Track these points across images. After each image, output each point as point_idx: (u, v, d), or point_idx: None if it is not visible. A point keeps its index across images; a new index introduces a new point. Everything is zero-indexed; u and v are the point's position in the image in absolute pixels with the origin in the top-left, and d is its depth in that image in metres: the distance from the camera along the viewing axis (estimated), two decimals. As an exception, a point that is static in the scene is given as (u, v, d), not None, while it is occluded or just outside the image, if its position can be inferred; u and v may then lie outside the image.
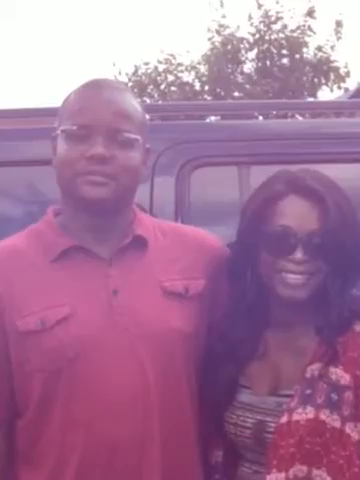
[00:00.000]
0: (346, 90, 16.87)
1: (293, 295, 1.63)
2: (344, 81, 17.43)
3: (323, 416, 1.56)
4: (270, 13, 17.38)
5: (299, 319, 1.67)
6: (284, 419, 1.58)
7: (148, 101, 16.78)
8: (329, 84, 17.39)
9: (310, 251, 1.61)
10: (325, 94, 17.24)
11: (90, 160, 1.61)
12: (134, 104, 1.69)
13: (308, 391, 1.59)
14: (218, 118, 4.15)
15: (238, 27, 17.47)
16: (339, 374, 1.59)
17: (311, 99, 16.72)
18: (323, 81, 17.35)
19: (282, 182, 1.66)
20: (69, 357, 1.58)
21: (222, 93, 17.09)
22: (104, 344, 1.60)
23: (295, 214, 1.63)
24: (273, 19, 17.38)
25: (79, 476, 1.60)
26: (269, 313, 1.71)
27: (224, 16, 17.46)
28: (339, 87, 17.39)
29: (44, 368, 1.60)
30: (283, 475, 1.56)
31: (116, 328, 1.61)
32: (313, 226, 1.62)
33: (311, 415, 1.56)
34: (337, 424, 1.56)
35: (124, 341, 1.61)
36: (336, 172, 1.84)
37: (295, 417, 1.57)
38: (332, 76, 17.36)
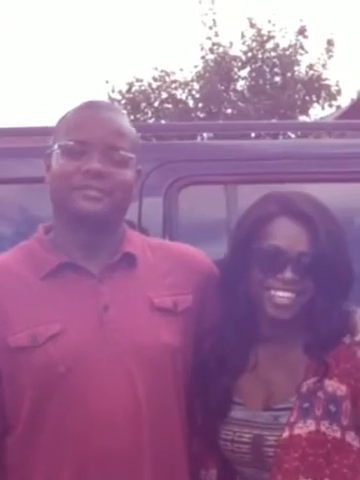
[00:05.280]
0: (338, 108, 16.97)
1: (279, 314, 1.66)
2: (335, 99, 17.53)
3: (323, 428, 1.59)
4: (262, 32, 17.49)
5: (287, 335, 1.70)
6: (286, 434, 1.61)
7: (141, 119, 16.83)
8: (320, 102, 17.48)
9: (299, 271, 1.64)
10: (316, 112, 17.34)
11: (86, 174, 1.63)
12: (129, 125, 1.74)
13: (306, 404, 1.62)
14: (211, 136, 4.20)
15: (231, 44, 17.56)
16: (335, 386, 1.62)
17: (303, 117, 16.82)
18: (314, 99, 17.43)
19: (274, 203, 1.69)
20: (60, 372, 1.60)
21: (214, 110, 17.16)
22: (95, 359, 1.62)
23: (286, 235, 1.67)
24: (265, 38, 17.49)
25: None
26: (258, 328, 1.73)
27: (217, 34, 17.56)
28: (330, 105, 17.49)
29: (35, 383, 1.62)
30: None
31: (107, 343, 1.63)
32: (303, 248, 1.65)
33: (312, 427, 1.60)
34: (338, 434, 1.60)
35: (114, 356, 1.63)
36: (324, 192, 1.87)
37: (296, 431, 1.60)
38: (323, 94, 17.45)
